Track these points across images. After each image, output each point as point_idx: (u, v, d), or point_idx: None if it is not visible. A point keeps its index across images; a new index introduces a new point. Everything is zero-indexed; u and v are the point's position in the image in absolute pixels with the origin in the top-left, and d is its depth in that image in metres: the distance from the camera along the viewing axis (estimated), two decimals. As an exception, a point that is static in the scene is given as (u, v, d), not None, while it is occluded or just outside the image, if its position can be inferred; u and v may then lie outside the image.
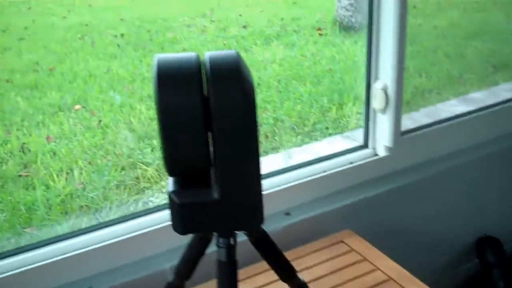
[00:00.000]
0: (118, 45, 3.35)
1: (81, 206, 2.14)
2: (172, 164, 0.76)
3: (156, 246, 1.23)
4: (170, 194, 0.78)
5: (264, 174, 1.38)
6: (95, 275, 1.21)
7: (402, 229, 1.56)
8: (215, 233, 0.86)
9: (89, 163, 2.35)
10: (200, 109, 0.72)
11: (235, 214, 0.79)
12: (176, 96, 0.72)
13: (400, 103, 1.43)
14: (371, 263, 1.25)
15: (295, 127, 2.74)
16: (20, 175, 2.24)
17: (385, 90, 1.43)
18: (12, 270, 1.14)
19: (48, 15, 3.68)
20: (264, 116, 2.77)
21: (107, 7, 3.90)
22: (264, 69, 3.21)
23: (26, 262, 1.16)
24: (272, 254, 0.94)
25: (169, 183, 0.80)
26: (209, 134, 0.75)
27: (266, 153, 2.56)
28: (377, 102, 1.46)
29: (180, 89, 0.72)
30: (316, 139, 2.69)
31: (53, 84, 2.88)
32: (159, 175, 2.30)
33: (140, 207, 2.15)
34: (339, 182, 1.45)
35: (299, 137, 2.69)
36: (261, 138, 2.64)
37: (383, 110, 1.46)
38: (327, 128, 2.77)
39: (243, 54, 3.37)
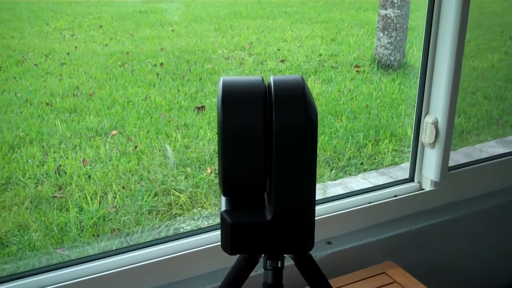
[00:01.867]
0: (157, 74, 3.39)
1: (113, 229, 2.14)
2: (228, 183, 0.76)
3: (197, 268, 1.22)
4: (222, 213, 0.79)
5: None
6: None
7: (444, 264, 1.53)
8: (263, 255, 0.85)
9: (123, 187, 2.36)
10: (262, 131, 0.73)
11: (287, 236, 0.79)
12: (239, 116, 0.73)
13: (450, 138, 1.42)
14: (414, 296, 1.21)
15: (329, 161, 2.72)
16: (54, 196, 2.25)
17: (435, 125, 1.42)
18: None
19: (91, 42, 3.76)
20: (299, 149, 2.75)
21: (148, 37, 3.97)
22: (301, 103, 3.20)
23: (65, 278, 1.16)
24: (317, 279, 0.92)
25: (221, 202, 0.81)
26: (268, 156, 0.76)
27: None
28: (426, 136, 1.44)
29: (244, 110, 0.73)
30: (350, 174, 2.66)
31: (92, 109, 2.92)
32: (191, 203, 2.29)
33: (171, 233, 2.14)
34: (383, 214, 1.44)
35: (333, 171, 2.67)
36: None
37: (432, 145, 1.44)
38: (362, 163, 2.74)
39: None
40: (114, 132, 2.74)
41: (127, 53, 3.67)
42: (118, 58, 3.56)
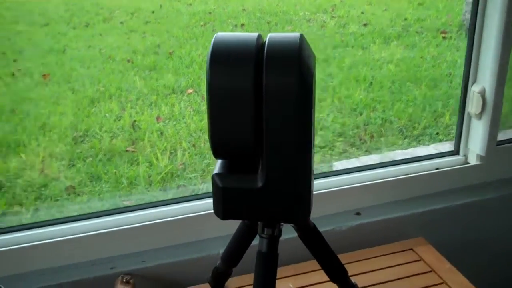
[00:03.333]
0: (238, 35, 3.40)
1: (179, 186, 2.20)
2: (217, 145, 0.74)
3: (214, 229, 1.21)
4: (214, 176, 0.76)
5: (340, 170, 1.34)
6: (146, 251, 1.21)
7: (479, 245, 1.44)
8: (260, 223, 0.81)
9: (193, 145, 2.41)
10: (252, 92, 0.70)
11: (279, 203, 0.75)
12: (227, 75, 0.70)
13: (499, 109, 1.31)
14: (439, 275, 1.15)
15: (403, 130, 2.64)
16: (127, 150, 2.34)
17: (482, 94, 1.32)
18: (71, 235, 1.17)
19: (175, 1, 3.83)
20: (372, 116, 2.69)
21: (231, -3, 3.98)
22: (379, 68, 3.12)
23: (82, 230, 1.19)
24: (320, 250, 0.89)
25: (216, 165, 0.79)
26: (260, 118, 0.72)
27: (369, 152, 2.49)
28: (473, 106, 1.35)
29: (233, 69, 0.70)
30: (423, 144, 2.57)
31: (171, 67, 2.99)
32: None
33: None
34: (421, 187, 1.36)
35: (405, 140, 2.58)
36: (366, 137, 2.58)
37: (479, 116, 1.34)
38: (437, 133, 2.63)
39: (359, 52, 3.33)
40: (190, 90, 2.79)
41: (210, 13, 3.70)
42: (200, 17, 3.61)
